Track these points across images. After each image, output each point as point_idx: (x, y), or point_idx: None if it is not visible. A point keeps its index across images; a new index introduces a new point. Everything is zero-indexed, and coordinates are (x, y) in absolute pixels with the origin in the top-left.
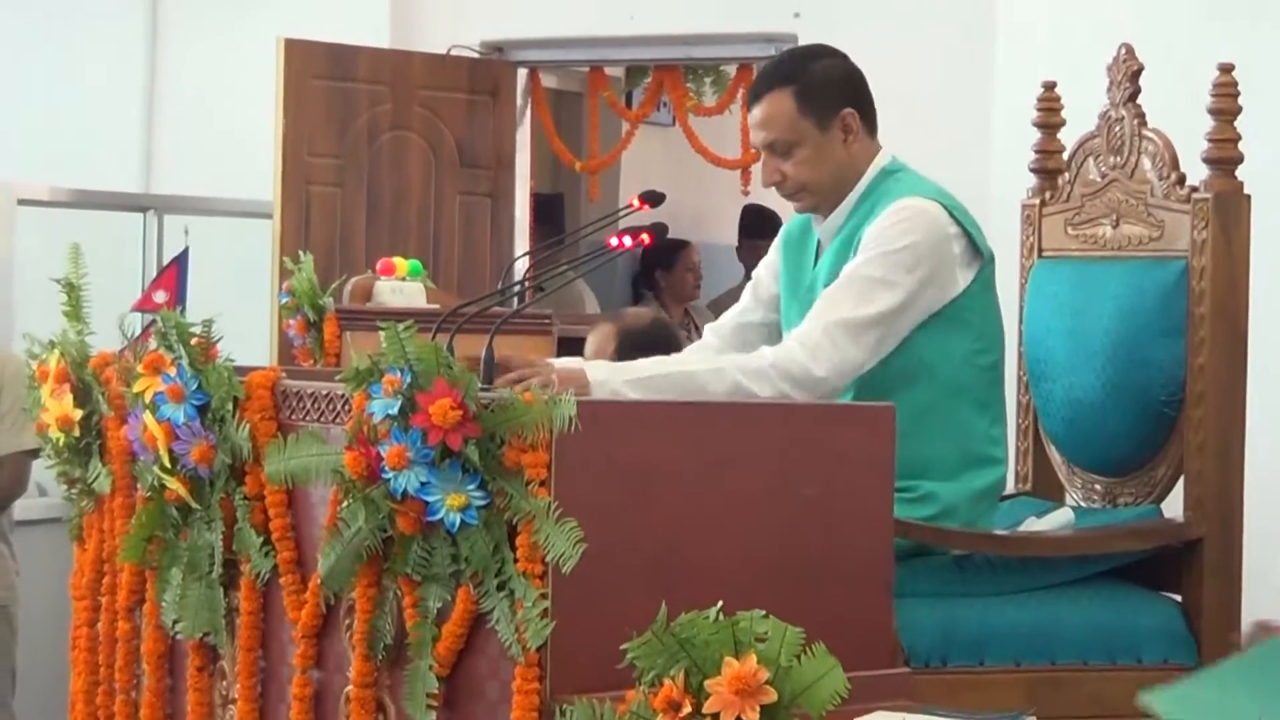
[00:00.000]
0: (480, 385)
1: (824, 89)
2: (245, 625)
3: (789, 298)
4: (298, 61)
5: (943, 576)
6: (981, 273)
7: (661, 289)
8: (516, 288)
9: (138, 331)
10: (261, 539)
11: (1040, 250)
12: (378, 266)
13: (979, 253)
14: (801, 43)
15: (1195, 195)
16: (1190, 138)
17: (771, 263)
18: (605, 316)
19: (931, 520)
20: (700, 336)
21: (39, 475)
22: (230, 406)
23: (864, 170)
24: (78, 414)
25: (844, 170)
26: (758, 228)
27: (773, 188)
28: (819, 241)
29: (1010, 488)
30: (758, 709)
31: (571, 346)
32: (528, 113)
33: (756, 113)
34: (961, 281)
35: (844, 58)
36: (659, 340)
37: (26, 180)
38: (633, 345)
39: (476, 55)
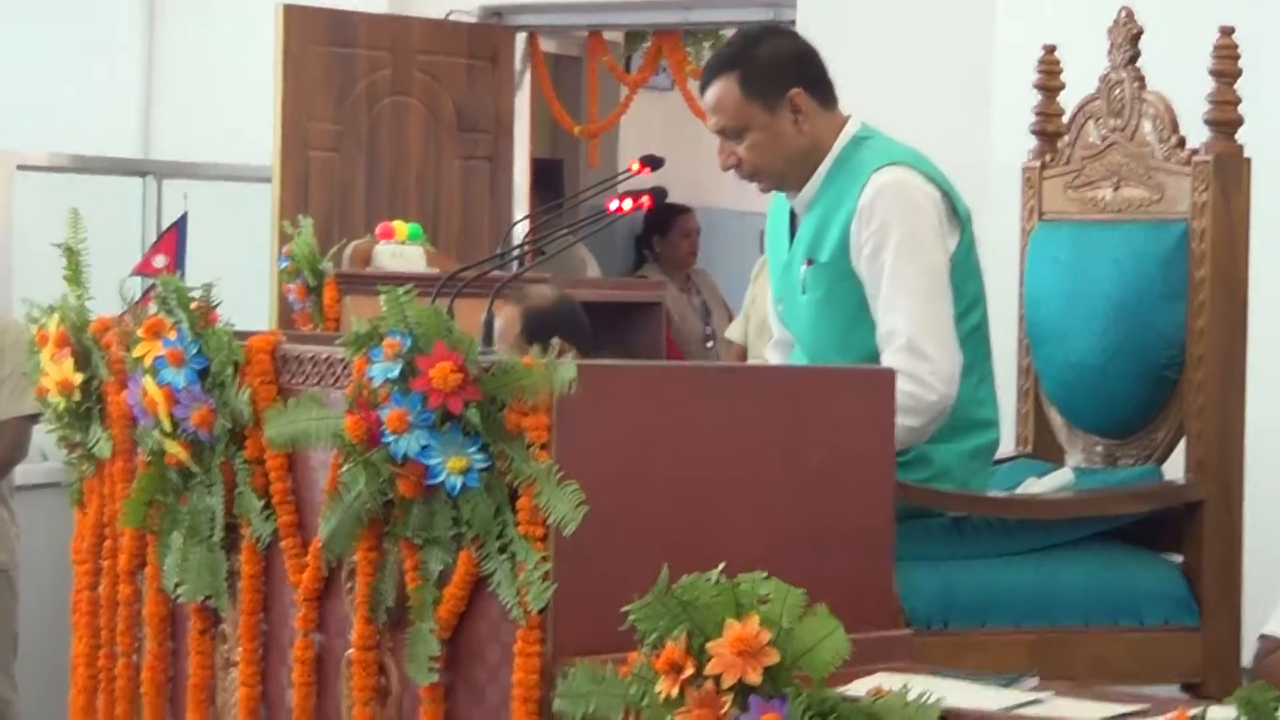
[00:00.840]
0: (480, 348)
1: (768, 71)
2: (246, 589)
3: (774, 270)
4: (297, 27)
5: (942, 538)
6: (963, 236)
7: (658, 254)
8: (516, 252)
9: (137, 296)
10: (262, 503)
11: (1041, 213)
12: (377, 231)
13: (957, 214)
14: (800, 6)
15: (1195, 158)
16: (1190, 100)
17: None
18: (510, 297)
19: (927, 482)
20: (701, 299)
21: (40, 440)
22: (230, 371)
23: (830, 143)
24: (78, 378)
25: (800, 149)
26: None
27: (730, 171)
28: (793, 213)
29: (1010, 450)
30: (760, 670)
31: None
32: (526, 77)
33: (706, 99)
34: (950, 246)
35: (792, 36)
36: (564, 321)
37: (26, 146)
38: (538, 326)
39: (475, 20)
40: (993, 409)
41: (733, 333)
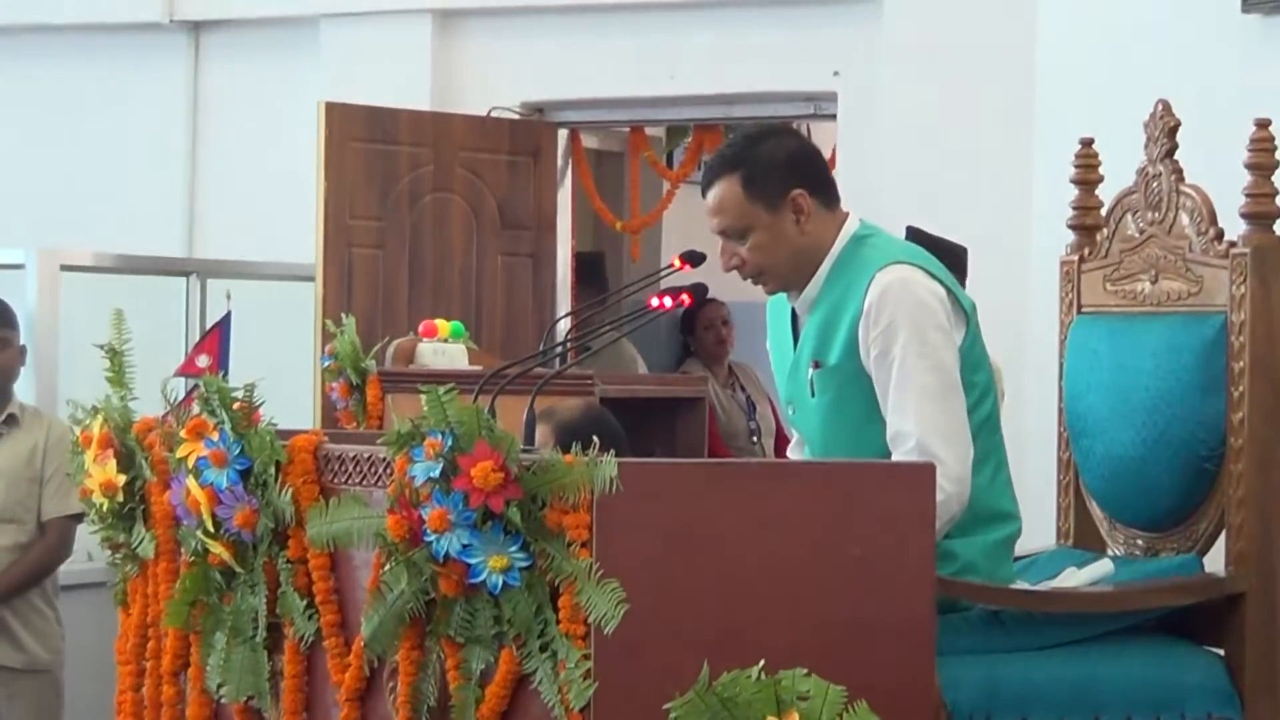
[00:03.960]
0: (521, 447)
1: (770, 172)
2: (289, 689)
3: (779, 373)
4: (338, 124)
5: (983, 631)
6: (969, 329)
7: (694, 351)
8: (559, 348)
9: (181, 396)
10: (305, 602)
11: (1079, 306)
12: (420, 328)
13: (962, 308)
14: (841, 101)
15: (1233, 250)
16: (1228, 193)
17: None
18: (539, 417)
19: (954, 577)
20: (745, 394)
21: (85, 540)
22: (273, 470)
23: (831, 243)
24: (121, 479)
25: (803, 250)
26: None
27: (734, 271)
28: (794, 312)
29: (1051, 544)
30: None
31: (615, 408)
32: (569, 173)
33: (708, 200)
34: (957, 340)
35: (794, 136)
36: (595, 429)
37: (70, 246)
38: (570, 439)
39: (517, 116)
40: (1011, 499)
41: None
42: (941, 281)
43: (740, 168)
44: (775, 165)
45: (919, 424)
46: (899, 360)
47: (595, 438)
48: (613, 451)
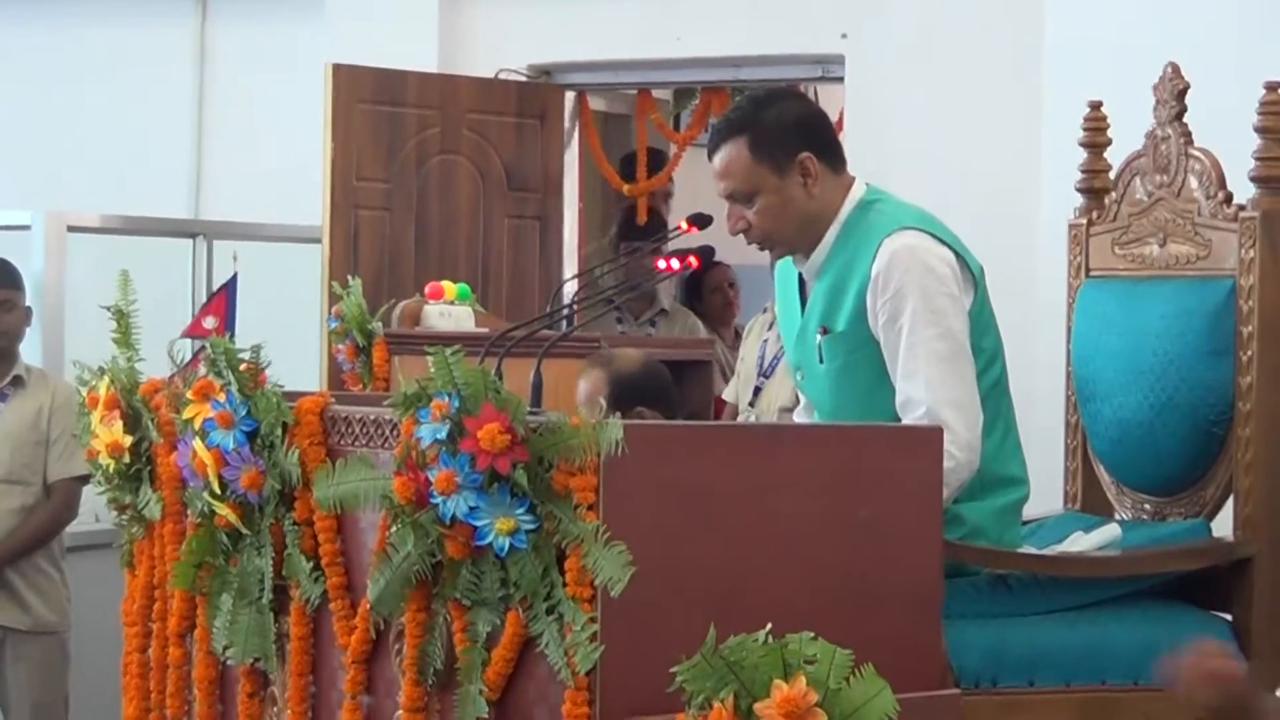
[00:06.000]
0: (528, 409)
1: (777, 135)
2: (295, 650)
3: (787, 339)
4: (345, 86)
5: (989, 595)
6: (978, 293)
7: (701, 314)
8: (565, 311)
9: (187, 357)
10: (311, 564)
11: (1088, 270)
12: (426, 290)
13: (970, 271)
14: (849, 64)
15: (1242, 214)
16: (1237, 156)
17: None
18: (595, 360)
19: (962, 541)
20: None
21: (93, 501)
22: (279, 432)
23: (838, 207)
24: (128, 440)
25: (810, 214)
26: None
27: (741, 235)
28: (801, 277)
29: (1059, 508)
30: None
31: None
32: (575, 135)
33: (715, 163)
34: (965, 305)
35: (800, 100)
36: (653, 387)
37: (76, 207)
38: (626, 391)
39: (524, 78)
40: (1019, 463)
41: (728, 393)
42: (950, 246)
43: (747, 131)
44: (782, 129)
45: (929, 391)
46: (908, 327)
47: (647, 396)
48: (661, 413)
